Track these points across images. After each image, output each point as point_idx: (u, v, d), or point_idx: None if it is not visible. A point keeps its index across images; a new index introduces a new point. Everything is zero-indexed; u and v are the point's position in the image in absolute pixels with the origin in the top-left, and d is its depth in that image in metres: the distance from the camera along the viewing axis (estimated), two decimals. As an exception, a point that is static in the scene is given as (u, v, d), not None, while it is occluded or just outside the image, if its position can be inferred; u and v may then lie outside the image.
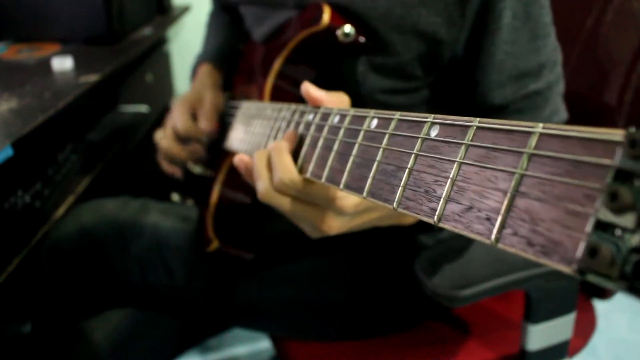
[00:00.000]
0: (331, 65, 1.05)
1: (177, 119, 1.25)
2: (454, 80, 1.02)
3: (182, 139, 1.26)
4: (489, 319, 1.21)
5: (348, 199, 0.76)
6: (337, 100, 0.79)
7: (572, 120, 1.08)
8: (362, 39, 0.98)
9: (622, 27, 1.16)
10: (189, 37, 2.48)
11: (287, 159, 0.75)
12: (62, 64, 1.42)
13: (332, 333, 1.17)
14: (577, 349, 1.14)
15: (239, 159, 0.85)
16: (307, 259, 1.14)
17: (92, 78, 1.35)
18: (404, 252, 1.12)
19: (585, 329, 1.18)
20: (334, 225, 0.79)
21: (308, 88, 0.79)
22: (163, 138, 1.26)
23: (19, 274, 1.10)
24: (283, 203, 0.77)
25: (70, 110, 1.22)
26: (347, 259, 1.15)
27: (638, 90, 1.13)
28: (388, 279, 1.16)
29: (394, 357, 1.14)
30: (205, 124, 1.22)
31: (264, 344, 1.98)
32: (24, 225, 1.16)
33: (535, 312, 0.95)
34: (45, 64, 1.46)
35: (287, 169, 0.74)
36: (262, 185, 0.77)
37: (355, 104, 1.04)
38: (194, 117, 1.27)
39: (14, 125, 1.07)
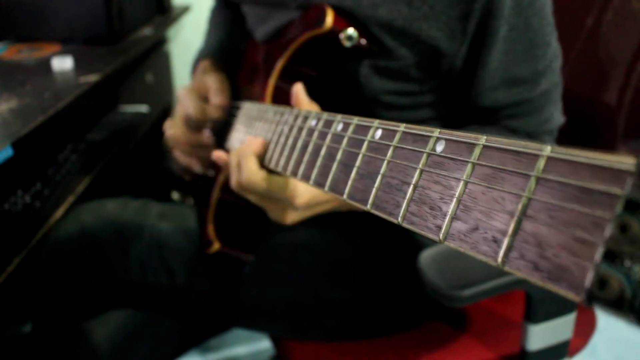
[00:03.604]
0: (334, 67, 1.05)
1: (188, 104, 1.21)
2: (455, 84, 1.03)
3: (195, 124, 1.23)
4: (489, 319, 1.21)
5: (301, 198, 0.91)
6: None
7: (572, 121, 1.08)
8: (364, 42, 0.98)
9: (622, 27, 1.16)
10: (189, 37, 2.47)
11: (251, 162, 0.89)
12: (62, 64, 1.42)
13: (332, 333, 1.18)
14: (577, 349, 1.15)
15: (217, 156, 0.99)
16: (307, 259, 1.15)
17: (92, 78, 1.35)
18: (404, 252, 1.12)
19: (585, 329, 1.18)
20: (289, 217, 0.95)
21: (297, 90, 0.93)
22: (172, 127, 1.23)
23: (19, 274, 1.10)
24: (249, 196, 0.93)
25: (70, 110, 1.22)
26: (347, 259, 1.15)
27: (638, 90, 1.13)
28: (388, 279, 1.16)
29: (393, 357, 1.14)
30: (218, 99, 1.20)
31: (264, 344, 1.98)
32: (24, 225, 1.16)
33: (536, 312, 0.95)
34: (45, 64, 1.46)
35: (250, 172, 0.88)
36: (233, 180, 0.92)
37: (358, 105, 1.05)
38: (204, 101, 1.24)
39: (14, 125, 1.07)
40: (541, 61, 0.98)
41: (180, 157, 1.26)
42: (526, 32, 0.95)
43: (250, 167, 0.88)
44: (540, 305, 0.95)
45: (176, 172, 1.31)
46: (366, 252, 1.16)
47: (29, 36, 1.67)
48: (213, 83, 1.22)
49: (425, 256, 0.91)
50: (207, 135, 1.20)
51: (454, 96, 1.06)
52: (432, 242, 1.11)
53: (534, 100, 1.00)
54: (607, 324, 2.03)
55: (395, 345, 1.16)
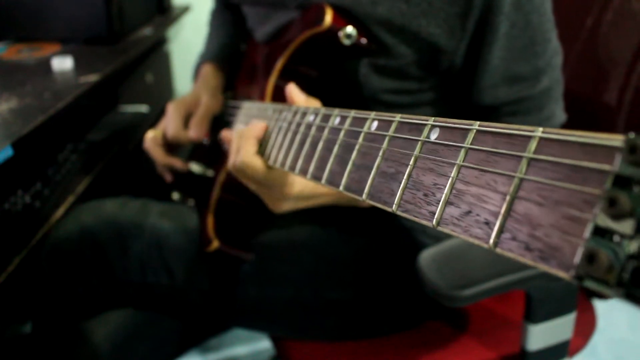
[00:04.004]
0: (333, 66, 1.05)
1: (169, 122, 1.26)
2: (454, 82, 1.03)
3: (170, 143, 1.27)
4: (489, 319, 1.21)
5: (293, 188, 0.92)
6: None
7: (571, 120, 1.08)
8: (363, 41, 0.98)
9: (622, 27, 1.16)
10: (189, 37, 2.48)
11: (250, 145, 0.89)
12: (62, 64, 1.42)
13: (332, 333, 1.17)
14: (577, 349, 1.14)
15: (224, 135, 1.01)
16: (307, 259, 1.14)
17: (92, 78, 1.35)
18: (404, 252, 1.12)
19: (585, 329, 1.18)
20: (283, 206, 0.96)
21: (291, 89, 0.94)
22: (150, 139, 1.28)
23: (19, 274, 1.10)
24: (245, 180, 0.93)
25: (70, 110, 1.22)
26: (347, 258, 1.15)
27: (638, 90, 1.13)
28: (388, 279, 1.16)
29: (393, 357, 1.14)
30: (194, 132, 1.24)
31: (264, 344, 1.98)
32: (24, 225, 1.16)
33: (536, 312, 0.95)
34: (45, 64, 1.46)
35: (247, 155, 0.88)
36: (230, 161, 0.92)
37: (358, 104, 1.05)
38: (188, 118, 1.27)
39: (14, 125, 1.07)
40: (542, 58, 0.98)
41: (157, 166, 1.32)
42: (526, 29, 0.95)
43: (248, 150, 0.89)
44: (540, 305, 0.95)
45: (157, 170, 1.32)
46: (366, 251, 1.16)
47: (29, 36, 1.68)
48: (201, 110, 1.26)
49: (425, 256, 0.91)
50: (179, 162, 1.26)
51: (453, 94, 1.06)
52: (432, 243, 1.11)
53: (534, 97, 1.00)
54: (607, 324, 2.04)
55: (395, 345, 1.16)
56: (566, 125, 1.07)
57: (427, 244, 1.12)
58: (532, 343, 0.97)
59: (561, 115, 1.06)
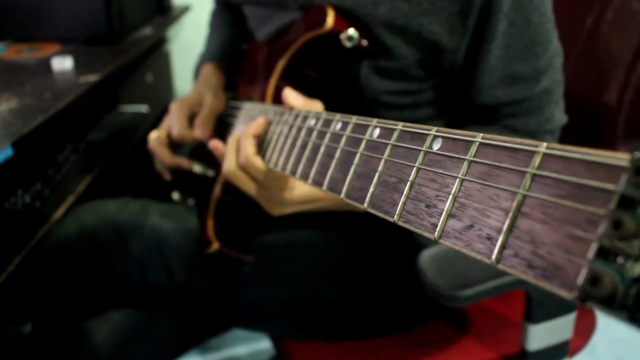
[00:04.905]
0: (334, 68, 1.05)
1: (174, 122, 1.25)
2: (455, 81, 1.03)
3: (175, 143, 1.27)
4: (489, 319, 1.21)
5: (293, 192, 0.93)
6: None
7: (572, 121, 1.08)
8: (365, 43, 0.98)
9: (622, 27, 1.16)
10: (189, 37, 2.48)
11: (249, 144, 0.91)
12: (62, 64, 1.42)
13: (332, 333, 1.18)
14: (577, 349, 1.14)
15: (214, 145, 1.01)
16: (306, 260, 1.14)
17: (92, 78, 1.35)
18: (404, 252, 1.12)
19: (585, 329, 1.18)
20: (283, 210, 0.97)
21: (287, 95, 0.93)
22: (154, 139, 1.27)
23: (19, 274, 1.10)
24: (243, 182, 0.94)
25: (70, 110, 1.22)
26: (347, 259, 1.15)
27: (638, 90, 1.13)
28: (388, 279, 1.16)
29: (393, 357, 1.14)
30: (200, 132, 1.24)
31: (264, 344, 1.98)
32: (24, 225, 1.16)
33: (536, 312, 0.95)
34: (45, 64, 1.46)
35: (248, 153, 0.90)
36: (228, 163, 0.94)
37: (359, 106, 1.05)
38: (192, 118, 1.27)
39: (14, 125, 1.07)
40: (541, 58, 0.98)
41: (156, 164, 1.31)
42: (526, 29, 0.94)
43: (248, 149, 0.90)
44: (540, 305, 0.95)
45: (155, 169, 1.32)
46: (366, 252, 1.16)
47: (29, 36, 1.68)
48: (205, 109, 1.26)
49: (425, 256, 0.91)
50: (185, 162, 1.26)
51: (455, 94, 1.06)
52: (432, 242, 1.11)
53: (534, 98, 1.00)
54: (607, 324, 2.03)
55: (395, 345, 1.16)
56: (566, 126, 1.07)
57: (427, 244, 1.12)
58: (532, 343, 0.97)
59: (561, 117, 1.06)
